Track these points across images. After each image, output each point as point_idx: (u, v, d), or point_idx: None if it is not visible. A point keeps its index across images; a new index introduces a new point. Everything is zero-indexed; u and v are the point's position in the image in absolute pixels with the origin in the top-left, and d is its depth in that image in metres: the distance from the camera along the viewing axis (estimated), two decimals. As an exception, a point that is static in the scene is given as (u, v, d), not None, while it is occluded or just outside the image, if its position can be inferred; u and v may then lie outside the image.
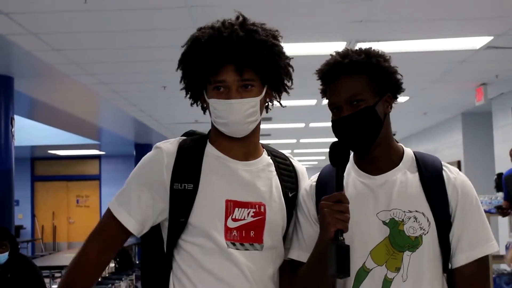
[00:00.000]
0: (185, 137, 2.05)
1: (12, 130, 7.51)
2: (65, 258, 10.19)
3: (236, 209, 1.93)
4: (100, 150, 17.84)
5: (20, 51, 6.31)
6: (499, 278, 7.02)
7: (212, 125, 2.01)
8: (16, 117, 8.00)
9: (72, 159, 19.18)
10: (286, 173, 2.07)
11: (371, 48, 2.01)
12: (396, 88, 2.01)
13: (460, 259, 1.94)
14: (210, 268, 1.90)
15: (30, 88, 8.40)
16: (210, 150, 2.00)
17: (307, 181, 2.13)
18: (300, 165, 2.15)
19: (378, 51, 2.00)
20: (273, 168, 2.04)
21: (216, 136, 2.00)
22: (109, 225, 1.97)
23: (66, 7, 5.05)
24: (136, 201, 1.94)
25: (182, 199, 1.92)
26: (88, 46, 6.32)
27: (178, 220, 1.93)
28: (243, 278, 1.90)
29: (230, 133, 1.95)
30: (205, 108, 2.03)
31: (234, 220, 1.93)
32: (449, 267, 1.97)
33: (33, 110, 10.72)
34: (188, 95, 2.02)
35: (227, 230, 1.92)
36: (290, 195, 2.04)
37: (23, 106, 9.50)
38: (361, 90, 1.93)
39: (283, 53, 1.97)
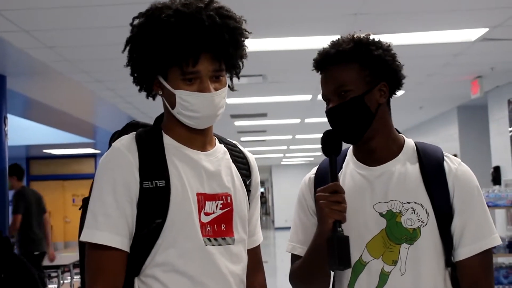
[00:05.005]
0: (135, 132, 1.90)
1: (5, 129, 7.46)
2: (62, 257, 10.15)
3: (207, 202, 1.84)
4: (96, 149, 17.78)
5: (12, 49, 6.25)
6: (497, 271, 7.01)
7: (168, 114, 1.89)
8: (10, 116, 7.96)
9: (68, 158, 19.13)
10: (240, 160, 2.00)
11: (364, 36, 1.97)
12: (392, 76, 1.95)
13: (464, 252, 1.90)
14: (187, 271, 1.79)
15: (23, 87, 8.34)
16: (168, 141, 1.87)
17: (307, 174, 2.12)
18: (249, 152, 2.07)
19: (370, 40, 1.96)
20: (228, 156, 1.97)
21: (173, 126, 1.88)
22: (103, 257, 1.75)
23: (58, 3, 5.00)
24: (119, 216, 1.76)
25: (155, 198, 1.78)
26: (81, 43, 6.27)
27: (153, 222, 1.77)
28: (220, 276, 1.82)
29: (196, 125, 1.85)
30: (154, 95, 1.92)
31: (206, 214, 1.84)
32: (452, 260, 1.94)
33: (27, 109, 10.67)
34: (137, 82, 1.90)
35: (202, 225, 1.82)
36: (247, 182, 1.98)
37: (16, 105, 9.45)
38: (348, 80, 1.90)
39: (247, 38, 1.89)
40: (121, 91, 8.82)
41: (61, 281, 9.24)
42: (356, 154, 2.02)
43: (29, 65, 7.08)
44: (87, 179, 19.49)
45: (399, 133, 2.05)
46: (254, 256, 2.02)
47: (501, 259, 7.47)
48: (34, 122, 12.11)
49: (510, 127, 9.28)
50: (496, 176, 9.73)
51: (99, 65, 7.28)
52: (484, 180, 9.82)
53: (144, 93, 1.97)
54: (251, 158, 2.05)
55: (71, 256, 10.19)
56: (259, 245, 2.07)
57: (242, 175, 1.97)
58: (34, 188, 19.43)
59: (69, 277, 9.83)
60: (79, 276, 8.68)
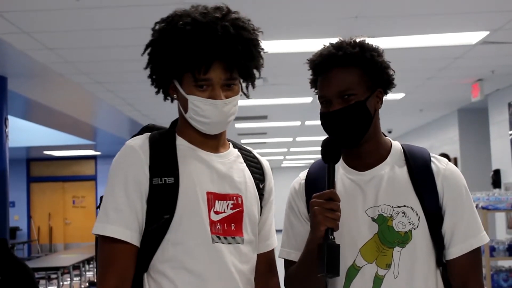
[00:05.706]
0: (150, 132, 1.96)
1: (6, 130, 7.47)
2: (62, 259, 10.16)
3: (217, 201, 1.88)
4: (96, 151, 17.80)
5: (13, 50, 6.27)
6: (496, 275, 6.98)
7: (182, 118, 1.95)
8: (11, 117, 7.96)
9: (68, 160, 19.14)
10: (254, 165, 2.04)
11: (365, 41, 1.99)
12: (387, 83, 1.99)
13: (454, 251, 1.93)
14: (194, 267, 1.82)
15: (24, 88, 8.36)
16: (181, 142, 1.93)
17: (296, 179, 2.11)
18: (263, 158, 2.11)
19: (372, 45, 1.99)
20: (242, 160, 2.01)
21: (186, 129, 1.94)
22: (113, 250, 1.82)
23: (58, 6, 5.02)
24: (129, 211, 1.82)
25: (164, 194, 1.83)
26: (82, 44, 6.28)
27: (161, 217, 1.83)
28: (227, 274, 1.85)
29: (207, 131, 1.91)
30: (171, 99, 1.97)
31: (216, 213, 1.88)
32: (443, 260, 1.95)
33: (28, 111, 10.68)
34: (155, 85, 1.94)
35: (212, 223, 1.86)
36: (260, 186, 2.02)
37: (17, 106, 9.46)
38: (353, 84, 1.91)
39: (262, 49, 1.95)
40: (121, 92, 8.82)
41: (61, 283, 9.23)
42: (346, 159, 2.02)
43: (30, 66, 7.09)
44: (88, 180, 19.55)
45: (385, 136, 2.06)
46: (268, 260, 2.04)
47: (500, 262, 7.45)
48: (34, 123, 12.12)
49: (510, 130, 9.29)
50: (496, 179, 9.73)
51: (99, 67, 7.29)
52: (484, 183, 9.82)
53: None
54: (266, 164, 2.09)
55: (70, 257, 10.20)
56: (273, 249, 2.08)
57: (255, 179, 2.00)
58: (34, 189, 19.53)
59: (69, 279, 9.83)
60: (78, 278, 8.66)
